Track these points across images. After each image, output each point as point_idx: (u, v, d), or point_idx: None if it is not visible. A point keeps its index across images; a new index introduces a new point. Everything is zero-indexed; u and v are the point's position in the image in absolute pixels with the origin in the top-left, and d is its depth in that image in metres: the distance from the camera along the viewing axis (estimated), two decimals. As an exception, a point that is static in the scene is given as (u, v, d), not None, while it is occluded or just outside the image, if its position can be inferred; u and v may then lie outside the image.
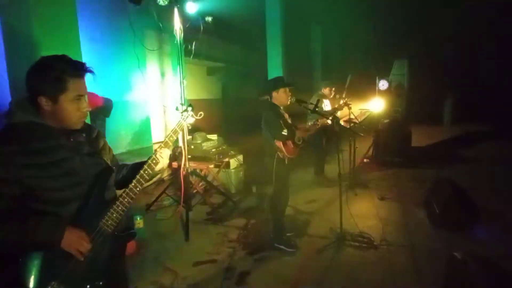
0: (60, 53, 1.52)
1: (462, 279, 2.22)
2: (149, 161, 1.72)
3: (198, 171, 5.44)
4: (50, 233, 1.42)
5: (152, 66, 8.03)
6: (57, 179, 1.47)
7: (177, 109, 1.79)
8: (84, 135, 1.63)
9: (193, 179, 5.28)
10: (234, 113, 11.77)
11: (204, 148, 5.38)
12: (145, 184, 1.71)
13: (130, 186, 1.64)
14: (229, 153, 5.81)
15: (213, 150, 5.42)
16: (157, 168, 1.75)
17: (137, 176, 1.66)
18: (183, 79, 4.48)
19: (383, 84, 7.56)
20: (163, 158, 1.75)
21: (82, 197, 1.54)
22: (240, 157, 6.06)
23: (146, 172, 1.68)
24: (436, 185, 4.55)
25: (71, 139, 1.57)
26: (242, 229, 4.31)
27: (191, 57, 4.98)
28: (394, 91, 7.64)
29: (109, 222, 1.60)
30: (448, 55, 14.21)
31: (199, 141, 5.44)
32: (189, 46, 4.93)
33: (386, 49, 12.07)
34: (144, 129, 7.36)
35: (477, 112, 12.75)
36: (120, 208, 1.62)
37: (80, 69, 1.50)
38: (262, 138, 3.74)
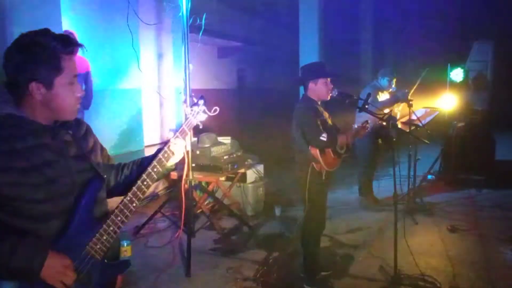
0: (35, 26, 1.60)
1: None
2: (160, 155, 1.78)
3: (204, 184, 5.49)
4: (28, 259, 1.46)
5: (147, 45, 8.21)
6: (38, 188, 1.52)
7: (186, 102, 1.83)
8: (70, 132, 1.68)
9: (197, 195, 5.35)
10: (253, 108, 11.84)
11: (214, 154, 5.44)
12: (147, 193, 1.76)
13: (125, 200, 1.69)
14: (246, 162, 5.84)
15: (225, 157, 5.47)
16: (169, 163, 1.81)
17: (143, 175, 1.72)
18: (188, 63, 4.56)
19: (457, 74, 7.45)
20: (178, 151, 1.81)
21: (66, 213, 1.59)
22: (261, 167, 6.09)
23: (155, 169, 1.73)
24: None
25: (57, 138, 1.63)
26: (261, 264, 4.31)
27: (200, 34, 5.06)
28: (473, 84, 7.53)
29: (98, 246, 1.64)
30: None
31: (207, 145, 5.50)
32: (198, 20, 5.01)
33: (462, 26, 11.90)
34: (135, 127, 7.52)
35: None
36: (111, 228, 1.66)
37: (71, 44, 1.57)
38: (292, 143, 3.75)
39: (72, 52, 1.58)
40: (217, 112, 1.88)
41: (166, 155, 1.78)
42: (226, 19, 10.46)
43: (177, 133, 1.81)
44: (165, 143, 1.81)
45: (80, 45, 1.63)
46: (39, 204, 1.52)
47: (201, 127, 1.89)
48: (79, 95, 1.63)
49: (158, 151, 1.80)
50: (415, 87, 5.91)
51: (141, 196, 1.73)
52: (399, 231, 3.72)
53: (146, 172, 1.75)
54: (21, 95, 1.54)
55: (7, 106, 1.54)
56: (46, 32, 1.55)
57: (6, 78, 1.55)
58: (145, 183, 1.74)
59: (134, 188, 1.72)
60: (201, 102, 1.86)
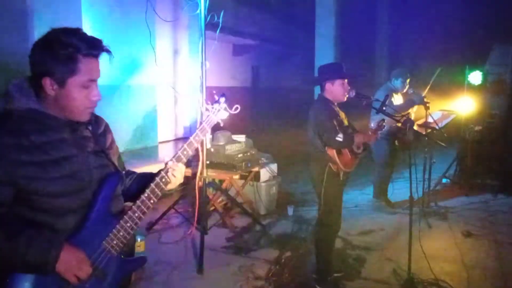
0: (56, 24, 1.61)
1: None
2: (162, 173, 1.77)
3: (217, 182, 5.50)
4: (44, 253, 1.48)
5: (163, 41, 8.25)
6: (57, 182, 1.54)
7: (208, 101, 1.82)
8: (90, 128, 1.70)
9: (210, 192, 5.36)
10: (267, 107, 11.83)
11: (228, 152, 5.45)
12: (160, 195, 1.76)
13: (143, 197, 1.70)
14: (260, 161, 5.84)
15: (239, 155, 5.47)
16: (169, 187, 1.81)
17: (152, 185, 1.71)
18: (205, 60, 4.56)
19: (475, 77, 7.35)
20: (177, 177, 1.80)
21: (83, 208, 1.61)
22: (274, 166, 6.09)
23: (164, 180, 1.73)
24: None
25: (76, 133, 1.65)
26: (274, 263, 4.31)
27: (217, 31, 5.05)
28: (491, 88, 7.42)
29: (115, 242, 1.66)
30: None
31: (221, 143, 5.51)
32: (215, 18, 5.01)
33: (481, 28, 11.73)
34: (150, 123, 7.57)
35: None
36: (128, 224, 1.67)
37: (96, 48, 1.57)
38: (308, 142, 3.74)
39: (93, 55, 1.58)
40: (238, 111, 1.88)
41: (164, 180, 1.77)
42: (242, 17, 10.47)
43: (174, 158, 1.79)
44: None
45: (107, 51, 1.61)
46: (56, 198, 1.54)
47: (221, 125, 1.89)
48: (95, 99, 1.62)
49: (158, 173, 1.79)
50: (428, 87, 5.85)
51: (160, 193, 1.74)
52: (413, 235, 3.69)
53: (159, 176, 1.75)
54: (38, 89, 1.56)
55: (29, 100, 1.56)
56: (73, 31, 1.56)
57: (31, 72, 1.57)
58: (163, 180, 1.75)
59: (152, 185, 1.72)
60: (222, 99, 1.85)
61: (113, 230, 1.65)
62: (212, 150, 5.44)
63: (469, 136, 7.35)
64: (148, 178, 1.82)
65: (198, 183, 4.64)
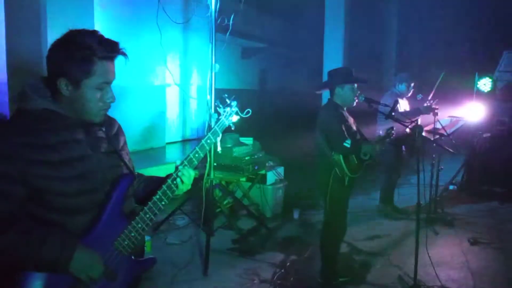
0: (67, 22, 1.62)
1: None
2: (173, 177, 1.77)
3: (224, 184, 5.51)
4: (57, 252, 1.50)
5: (173, 43, 8.30)
6: (69, 182, 1.56)
7: (218, 103, 1.84)
8: (103, 129, 1.72)
9: (216, 194, 5.37)
10: (275, 110, 11.82)
11: (235, 154, 5.46)
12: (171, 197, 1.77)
13: (154, 198, 1.71)
14: (267, 164, 5.85)
15: (247, 158, 5.48)
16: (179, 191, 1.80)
17: (164, 187, 1.73)
18: (214, 63, 4.58)
19: (485, 84, 7.32)
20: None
21: (96, 208, 1.63)
22: (281, 170, 6.09)
23: (175, 182, 1.74)
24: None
25: (89, 134, 1.66)
26: (279, 266, 4.31)
27: (227, 34, 5.08)
28: (501, 94, 7.38)
29: (126, 243, 1.67)
30: None
31: (229, 145, 5.53)
32: (226, 21, 5.04)
33: (490, 35, 11.66)
34: (158, 124, 7.60)
35: None
36: (140, 225, 1.69)
37: (112, 51, 1.59)
38: (315, 146, 3.74)
39: (109, 58, 1.59)
40: (249, 114, 1.89)
41: (175, 182, 1.77)
42: (251, 20, 10.50)
43: (185, 160, 1.79)
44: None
45: (123, 54, 1.62)
46: (69, 198, 1.56)
47: (233, 128, 1.90)
48: (109, 101, 1.64)
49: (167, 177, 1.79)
50: (433, 91, 5.83)
51: (171, 195, 1.75)
52: (420, 242, 3.68)
53: (171, 178, 1.76)
54: (53, 90, 1.58)
55: (45, 100, 1.57)
56: (90, 33, 1.57)
57: (47, 73, 1.59)
58: (175, 182, 1.76)
59: (164, 187, 1.73)
60: (234, 103, 1.87)
61: (125, 230, 1.67)
62: (219, 151, 5.44)
63: (477, 143, 7.31)
64: (156, 181, 1.84)
65: (205, 184, 4.66)
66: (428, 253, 3.99)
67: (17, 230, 1.49)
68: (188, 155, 1.80)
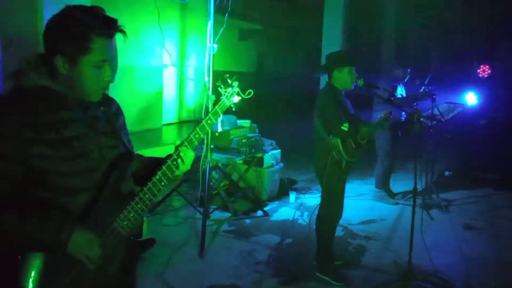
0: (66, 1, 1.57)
1: None
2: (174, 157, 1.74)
3: (220, 166, 5.51)
4: (55, 232, 1.48)
5: (171, 23, 8.19)
6: (68, 161, 1.53)
7: (219, 83, 1.80)
8: (102, 108, 1.69)
9: (213, 176, 5.37)
10: (271, 93, 11.76)
11: (232, 137, 5.45)
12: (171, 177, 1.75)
13: (154, 179, 1.69)
14: (264, 147, 5.84)
15: (244, 140, 5.48)
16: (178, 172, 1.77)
17: (164, 167, 1.70)
18: (213, 44, 4.53)
19: (483, 70, 7.30)
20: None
21: (94, 188, 1.60)
22: (277, 153, 6.08)
23: (175, 163, 1.72)
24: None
25: (87, 113, 1.63)
26: (274, 249, 4.34)
27: (226, 15, 5.01)
28: (499, 82, 7.35)
29: (125, 223, 1.66)
30: None
31: (226, 127, 5.51)
32: (224, 1, 4.97)
33: (489, 20, 11.57)
34: (155, 105, 7.55)
35: None
36: (139, 206, 1.67)
37: (109, 27, 1.53)
38: (313, 130, 3.73)
39: (107, 35, 1.53)
40: (251, 95, 1.86)
41: (175, 163, 1.73)
42: (249, 1, 10.36)
43: (185, 141, 1.75)
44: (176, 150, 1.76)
45: (122, 31, 1.57)
46: (67, 178, 1.53)
47: (233, 109, 1.87)
48: (107, 80, 1.59)
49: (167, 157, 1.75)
50: (428, 77, 5.80)
51: (171, 176, 1.72)
52: (415, 226, 3.70)
53: (170, 159, 1.72)
54: (50, 67, 1.53)
55: (41, 78, 1.53)
56: (87, 9, 1.51)
57: (44, 50, 1.54)
58: (174, 163, 1.73)
59: (164, 168, 1.70)
60: (235, 84, 1.83)
61: (124, 211, 1.65)
62: (216, 134, 5.44)
63: (474, 129, 7.33)
64: (155, 162, 1.81)
65: (201, 166, 4.65)
66: (422, 237, 4.02)
67: (14, 210, 1.47)
68: (189, 136, 1.76)
